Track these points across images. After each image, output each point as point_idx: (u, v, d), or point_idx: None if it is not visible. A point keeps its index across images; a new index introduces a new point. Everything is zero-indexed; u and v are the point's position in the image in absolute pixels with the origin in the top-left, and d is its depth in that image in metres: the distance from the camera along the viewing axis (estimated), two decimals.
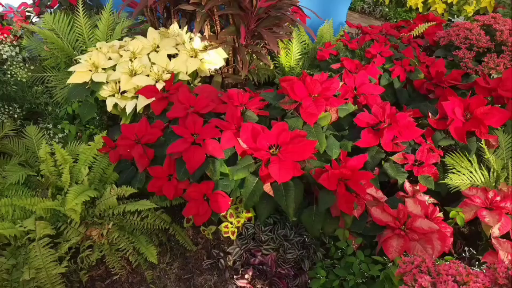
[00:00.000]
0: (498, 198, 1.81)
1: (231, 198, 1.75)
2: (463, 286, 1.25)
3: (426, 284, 1.26)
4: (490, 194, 1.82)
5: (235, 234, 1.75)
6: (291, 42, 2.55)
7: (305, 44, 2.70)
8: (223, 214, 1.75)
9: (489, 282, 1.29)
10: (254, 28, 1.97)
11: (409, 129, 1.87)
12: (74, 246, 1.61)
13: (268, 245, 1.75)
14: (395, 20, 4.10)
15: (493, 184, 1.95)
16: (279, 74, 2.48)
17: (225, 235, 1.74)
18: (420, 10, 4.05)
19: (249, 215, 1.78)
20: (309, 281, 1.71)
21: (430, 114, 2.01)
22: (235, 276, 1.69)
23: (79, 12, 2.19)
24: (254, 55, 2.17)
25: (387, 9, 4.24)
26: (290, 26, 2.20)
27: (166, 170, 1.73)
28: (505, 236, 1.75)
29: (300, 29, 2.61)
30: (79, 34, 2.22)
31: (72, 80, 1.81)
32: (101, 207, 1.65)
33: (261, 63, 2.27)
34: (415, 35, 2.65)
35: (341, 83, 2.06)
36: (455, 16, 3.81)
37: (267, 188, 1.72)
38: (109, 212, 1.66)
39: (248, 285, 1.68)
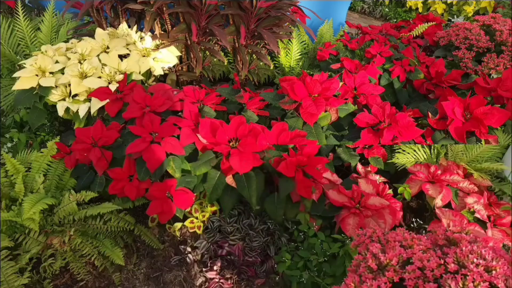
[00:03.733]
0: (439, 172, 1.97)
1: (195, 194, 1.77)
2: (408, 249, 1.34)
3: (376, 251, 1.35)
4: (432, 169, 1.98)
5: (201, 228, 1.78)
6: (291, 42, 2.55)
7: (305, 44, 2.70)
8: (188, 210, 1.77)
9: (431, 244, 1.39)
10: (254, 28, 1.98)
11: (409, 129, 1.93)
12: (35, 256, 1.56)
13: (234, 235, 1.79)
14: (395, 20, 4.10)
15: (435, 160, 2.12)
16: (279, 74, 2.49)
17: (191, 230, 1.76)
18: (420, 10, 4.07)
19: (214, 208, 1.82)
20: (275, 265, 1.78)
21: (430, 114, 2.07)
22: (204, 269, 1.72)
23: (19, 15, 2.08)
24: (207, 51, 2.19)
25: (387, 9, 4.27)
26: (290, 26, 2.22)
27: (126, 171, 1.71)
28: (447, 205, 1.91)
29: (300, 29, 2.63)
30: (20, 38, 2.11)
31: (18, 86, 1.73)
32: (60, 214, 1.61)
33: (261, 63, 2.28)
34: (415, 35, 2.70)
35: (341, 83, 2.09)
36: (455, 16, 3.84)
37: (229, 180, 1.76)
38: (70, 219, 1.62)
39: (217, 276, 1.72)
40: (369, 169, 2.00)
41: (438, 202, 1.90)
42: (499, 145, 2.07)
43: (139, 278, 1.67)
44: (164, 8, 1.99)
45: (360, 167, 1.98)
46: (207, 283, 1.71)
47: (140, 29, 2.10)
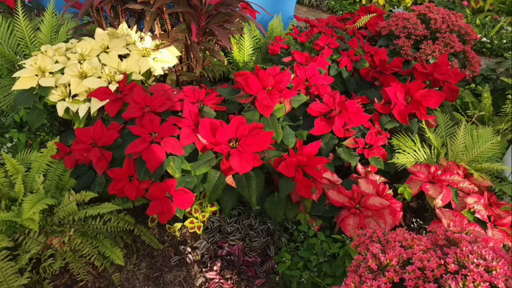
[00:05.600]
0: (439, 172, 2.02)
1: (195, 194, 1.78)
2: (408, 249, 1.36)
3: (377, 251, 1.36)
4: (432, 169, 2.02)
5: (201, 229, 1.78)
6: (243, 38, 2.64)
7: (257, 39, 2.80)
8: (187, 210, 1.77)
9: (431, 244, 1.41)
10: (205, 25, 2.00)
11: (358, 115, 2.01)
12: (35, 256, 1.56)
13: (234, 235, 1.79)
14: (341, 12, 4.31)
15: (435, 160, 2.14)
16: (234, 70, 2.55)
17: (191, 231, 1.76)
18: (363, 2, 4.27)
19: (214, 208, 1.82)
20: (275, 266, 1.79)
21: (376, 100, 2.17)
22: (204, 269, 1.73)
23: (18, 15, 2.08)
24: (207, 52, 2.20)
25: (333, 2, 4.45)
26: (240, 22, 2.25)
27: (126, 171, 1.71)
28: (447, 205, 1.95)
29: (251, 24, 2.70)
30: (20, 38, 2.12)
31: (18, 86, 1.73)
32: (60, 214, 1.61)
33: (215, 59, 2.31)
34: (359, 26, 2.83)
35: (293, 76, 2.16)
36: (396, 6, 4.04)
37: (229, 180, 1.76)
38: (69, 219, 1.62)
39: (217, 276, 1.72)
40: (369, 169, 2.02)
41: (439, 202, 1.92)
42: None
43: (139, 278, 1.67)
44: (164, 8, 2.00)
45: (360, 167, 1.99)
46: (207, 283, 1.71)
47: (140, 29, 2.11)
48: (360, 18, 2.83)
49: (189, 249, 1.77)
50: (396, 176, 2.09)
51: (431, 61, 2.50)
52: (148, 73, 2.00)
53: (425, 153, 2.11)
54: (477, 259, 1.31)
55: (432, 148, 2.14)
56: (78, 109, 1.75)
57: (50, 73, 1.76)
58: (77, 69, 1.76)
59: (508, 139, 2.33)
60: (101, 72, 1.82)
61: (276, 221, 1.84)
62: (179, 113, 1.90)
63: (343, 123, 1.97)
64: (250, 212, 1.87)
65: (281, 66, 2.30)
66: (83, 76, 1.78)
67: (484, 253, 1.34)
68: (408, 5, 3.94)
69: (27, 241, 1.56)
